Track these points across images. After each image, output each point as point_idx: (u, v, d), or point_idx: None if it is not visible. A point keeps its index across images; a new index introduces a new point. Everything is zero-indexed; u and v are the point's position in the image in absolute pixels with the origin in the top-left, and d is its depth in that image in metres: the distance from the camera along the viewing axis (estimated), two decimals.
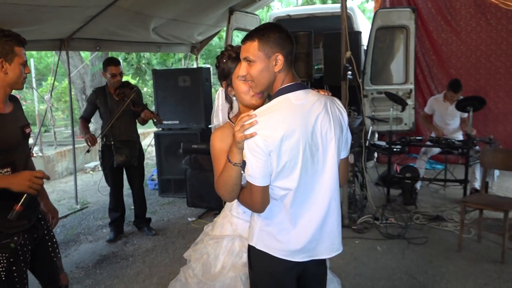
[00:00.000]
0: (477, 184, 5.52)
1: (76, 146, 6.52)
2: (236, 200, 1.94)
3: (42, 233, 2.44)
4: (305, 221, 1.76)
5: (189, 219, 5.28)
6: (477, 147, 5.30)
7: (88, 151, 4.60)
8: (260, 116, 1.65)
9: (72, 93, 11.55)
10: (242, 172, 1.71)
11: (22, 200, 2.07)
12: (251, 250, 1.83)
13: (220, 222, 2.10)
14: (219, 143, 1.84)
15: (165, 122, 5.96)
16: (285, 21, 7.59)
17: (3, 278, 2.20)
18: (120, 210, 4.81)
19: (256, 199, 1.70)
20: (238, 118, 1.68)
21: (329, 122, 1.75)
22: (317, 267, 1.90)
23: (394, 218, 4.90)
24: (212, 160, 1.89)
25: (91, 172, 8.30)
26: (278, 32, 1.72)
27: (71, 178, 7.35)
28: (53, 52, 11.49)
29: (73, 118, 6.82)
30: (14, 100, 2.38)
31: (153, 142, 6.88)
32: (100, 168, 8.37)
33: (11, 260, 2.21)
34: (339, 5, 7.80)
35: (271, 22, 1.88)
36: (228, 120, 1.96)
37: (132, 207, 5.26)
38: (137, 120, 4.72)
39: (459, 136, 5.80)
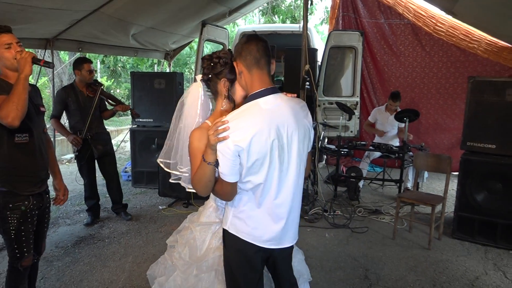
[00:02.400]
0: (409, 185, 5.83)
1: (56, 139, 6.35)
2: None
3: (45, 204, 2.57)
4: (273, 212, 1.83)
5: (160, 207, 5.27)
6: (411, 153, 5.60)
7: (77, 150, 4.50)
8: (231, 121, 1.69)
9: (49, 90, 11.21)
10: (216, 169, 1.75)
11: (37, 60, 2.30)
12: (225, 232, 1.90)
13: (206, 211, 2.12)
14: (197, 142, 1.82)
15: (140, 119, 5.94)
16: None
17: (13, 237, 2.34)
18: (96, 197, 4.75)
19: (226, 191, 1.78)
20: (212, 124, 1.72)
21: (295, 124, 1.80)
22: (282, 250, 1.95)
23: (340, 210, 5.10)
24: (189, 157, 1.87)
25: (67, 163, 8.07)
26: (240, 43, 1.81)
27: None
28: (34, 50, 11.16)
29: None
30: (33, 87, 2.57)
31: (126, 138, 6.79)
32: (75, 160, 8.21)
33: (21, 220, 2.35)
34: (298, 25, 8.09)
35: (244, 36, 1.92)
36: (206, 121, 1.92)
37: (107, 196, 5.21)
38: (101, 115, 4.69)
39: (396, 143, 6.11)
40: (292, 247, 2.05)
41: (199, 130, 1.86)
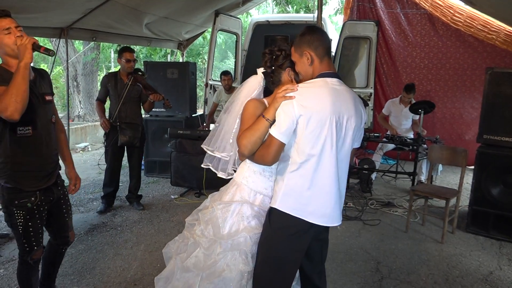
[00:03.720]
0: (423, 178, 5.76)
1: (69, 127, 6.42)
2: (247, 170, 2.05)
3: (58, 196, 2.49)
4: (324, 188, 1.86)
5: (172, 196, 5.29)
6: (425, 145, 5.52)
7: (105, 134, 4.60)
8: (301, 88, 1.82)
9: (64, 79, 11.32)
10: (269, 128, 1.82)
11: (38, 47, 2.13)
12: (273, 211, 1.91)
13: (229, 190, 2.14)
14: (253, 108, 1.95)
15: (153, 109, 5.95)
16: (264, 26, 7.68)
17: (21, 232, 2.29)
18: (114, 186, 4.76)
19: (270, 152, 1.81)
20: (284, 86, 1.85)
21: (354, 111, 1.89)
22: (326, 232, 2.04)
23: (352, 202, 5.06)
24: (241, 121, 1.98)
25: (81, 151, 8.17)
26: (306, 34, 1.90)
27: None
28: (48, 40, 11.25)
29: (69, 102, 6.69)
30: (40, 73, 2.41)
31: None
32: (89, 149, 8.32)
33: (28, 217, 2.29)
34: (312, 15, 7.99)
35: (306, 26, 2.08)
36: (263, 99, 2.07)
37: (121, 184, 5.24)
38: (142, 107, 4.71)
39: (411, 135, 6.02)
40: (328, 232, 2.13)
41: (256, 100, 2.02)
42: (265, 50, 2.12)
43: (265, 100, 2.06)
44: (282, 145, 1.81)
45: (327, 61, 1.93)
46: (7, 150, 2.22)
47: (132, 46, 11.34)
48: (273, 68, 2.07)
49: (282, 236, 1.90)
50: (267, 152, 1.82)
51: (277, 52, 2.07)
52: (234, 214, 2.06)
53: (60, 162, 2.60)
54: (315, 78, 1.90)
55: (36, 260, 2.43)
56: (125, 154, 4.79)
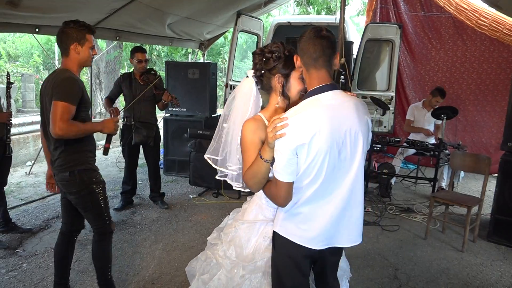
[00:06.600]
0: (444, 184, 5.66)
1: None
2: None
3: None
4: (325, 212, 1.73)
5: (191, 196, 5.33)
6: (447, 151, 5.43)
7: (121, 134, 4.65)
8: (291, 118, 1.61)
9: (87, 76, 11.50)
10: (271, 167, 1.68)
11: (109, 139, 2.79)
12: (275, 234, 1.83)
13: (251, 209, 2.03)
14: (251, 135, 1.75)
15: (173, 109, 6.01)
16: (285, 27, 7.65)
17: (102, 205, 2.70)
18: (131, 183, 4.83)
19: (280, 194, 1.67)
20: (271, 120, 1.64)
21: (358, 122, 1.71)
22: (332, 254, 1.89)
23: (371, 207, 5.01)
24: (242, 150, 1.79)
25: (102, 149, 8.28)
26: (301, 39, 1.71)
27: None
28: None
29: (91, 99, 6.79)
30: None
31: (160, 126, 6.85)
32: (110, 146, 8.43)
33: (105, 189, 2.71)
34: (333, 16, 7.93)
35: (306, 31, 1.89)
36: (259, 114, 1.87)
37: (140, 183, 5.29)
38: (156, 106, 4.75)
39: (432, 141, 5.93)
40: (341, 251, 1.99)
41: (253, 122, 1.79)
42: (256, 50, 1.91)
43: (262, 115, 1.86)
44: (290, 184, 1.67)
45: (317, 71, 1.69)
46: (84, 140, 2.62)
47: (153, 46, 11.44)
48: (262, 71, 1.87)
49: (284, 260, 1.82)
50: (277, 195, 1.69)
51: (267, 54, 1.84)
52: (258, 234, 1.98)
53: None
54: (305, 96, 1.72)
55: (112, 231, 2.84)
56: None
